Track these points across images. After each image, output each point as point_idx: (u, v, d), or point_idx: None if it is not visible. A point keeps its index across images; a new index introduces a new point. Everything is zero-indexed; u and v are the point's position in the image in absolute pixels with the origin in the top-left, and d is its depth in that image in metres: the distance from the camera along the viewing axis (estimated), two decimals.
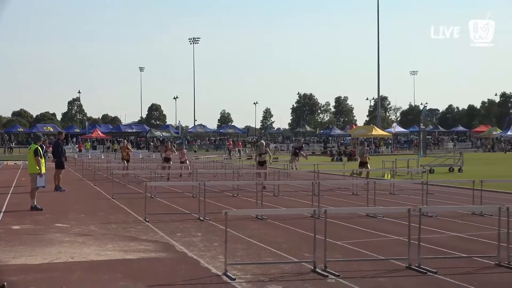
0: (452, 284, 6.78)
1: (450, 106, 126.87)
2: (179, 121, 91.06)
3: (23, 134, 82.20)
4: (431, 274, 7.17)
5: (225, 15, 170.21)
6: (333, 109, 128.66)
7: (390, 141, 69.22)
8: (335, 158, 45.84)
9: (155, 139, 76.47)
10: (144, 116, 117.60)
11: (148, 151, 61.47)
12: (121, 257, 8.21)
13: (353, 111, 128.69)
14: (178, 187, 18.39)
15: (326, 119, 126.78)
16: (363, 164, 21.16)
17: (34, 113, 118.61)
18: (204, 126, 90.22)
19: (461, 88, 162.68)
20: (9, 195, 16.97)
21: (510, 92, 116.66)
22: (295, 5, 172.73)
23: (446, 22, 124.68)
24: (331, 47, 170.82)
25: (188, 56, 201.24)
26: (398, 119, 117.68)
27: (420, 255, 7.46)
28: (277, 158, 39.87)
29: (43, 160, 13.65)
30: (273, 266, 7.56)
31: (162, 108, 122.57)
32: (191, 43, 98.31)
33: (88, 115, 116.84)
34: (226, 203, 14.48)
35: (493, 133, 76.14)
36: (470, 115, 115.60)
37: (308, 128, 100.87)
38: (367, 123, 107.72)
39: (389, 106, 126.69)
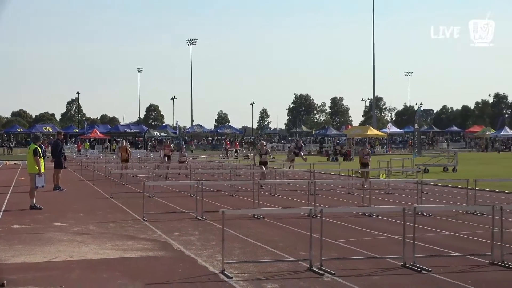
0: (447, 282, 6.85)
1: (444, 106, 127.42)
2: (177, 121, 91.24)
3: (23, 134, 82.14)
4: (426, 272, 7.24)
5: (222, 17, 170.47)
6: (329, 110, 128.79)
7: (385, 141, 69.34)
8: (331, 158, 45.99)
9: (153, 139, 76.60)
10: (142, 116, 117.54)
11: (146, 151, 61.54)
12: (120, 255, 8.28)
13: (349, 111, 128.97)
14: (175, 187, 18.48)
15: (322, 119, 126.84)
16: (364, 165, 21.36)
17: (34, 113, 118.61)
18: (201, 126, 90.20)
19: (455, 89, 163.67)
20: (9, 194, 17.03)
21: (504, 93, 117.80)
22: (293, 6, 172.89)
23: (442, 23, 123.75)
24: (327, 48, 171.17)
25: (186, 57, 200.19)
26: (393, 119, 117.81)
27: (414, 253, 7.54)
28: (274, 158, 39.90)
29: (42, 160, 13.73)
30: (269, 265, 7.63)
31: (160, 109, 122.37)
32: (188, 44, 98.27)
33: (87, 115, 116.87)
34: (223, 203, 14.55)
35: (487, 133, 76.41)
36: (464, 116, 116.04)
37: (304, 128, 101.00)
38: (362, 123, 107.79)
39: (384, 106, 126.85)
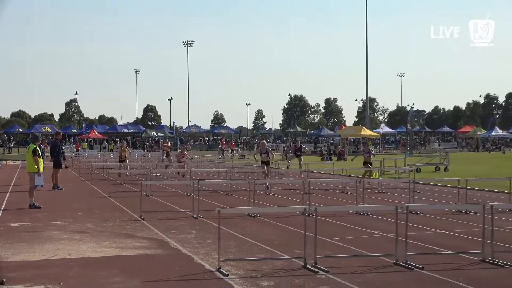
0: (438, 280, 6.93)
1: (436, 107, 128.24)
2: (174, 122, 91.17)
3: (22, 134, 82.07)
4: (418, 270, 7.33)
5: (219, 20, 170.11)
6: (323, 110, 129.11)
7: (378, 141, 69.49)
8: (325, 157, 46.13)
9: (150, 139, 76.67)
10: (139, 116, 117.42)
11: (144, 151, 61.67)
12: (117, 253, 8.36)
13: (343, 112, 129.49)
14: (172, 186, 18.59)
15: (316, 119, 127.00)
16: (366, 163, 21.67)
17: (33, 113, 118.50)
18: (198, 127, 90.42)
19: (447, 90, 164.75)
20: (8, 193, 17.13)
21: (494, 94, 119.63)
22: (288, 8, 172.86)
23: (437, 23, 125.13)
24: (322, 50, 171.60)
25: (183, 59, 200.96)
26: (386, 119, 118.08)
27: (407, 251, 7.63)
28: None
29: (41, 160, 13.83)
30: (265, 263, 7.72)
31: (157, 109, 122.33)
32: (185, 46, 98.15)
33: (85, 115, 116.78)
34: (219, 201, 14.63)
35: (478, 133, 76.76)
36: (456, 116, 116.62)
37: (299, 129, 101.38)
38: (356, 123, 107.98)
39: (377, 107, 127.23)
